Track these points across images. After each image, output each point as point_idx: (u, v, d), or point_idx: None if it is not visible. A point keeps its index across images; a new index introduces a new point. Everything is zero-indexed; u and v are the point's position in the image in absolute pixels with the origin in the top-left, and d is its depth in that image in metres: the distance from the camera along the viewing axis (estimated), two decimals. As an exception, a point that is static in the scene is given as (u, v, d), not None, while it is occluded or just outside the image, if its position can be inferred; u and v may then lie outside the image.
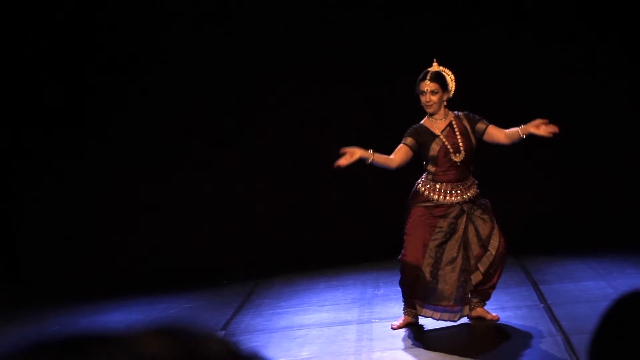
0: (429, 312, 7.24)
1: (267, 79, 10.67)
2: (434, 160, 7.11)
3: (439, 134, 7.12)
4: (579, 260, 9.14)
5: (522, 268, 8.95)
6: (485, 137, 7.12)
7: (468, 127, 7.13)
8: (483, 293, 7.26)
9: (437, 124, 7.16)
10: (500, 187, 8.82)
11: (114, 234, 10.79)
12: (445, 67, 7.20)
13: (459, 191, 7.10)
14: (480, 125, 7.12)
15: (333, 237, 10.75)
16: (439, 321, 7.25)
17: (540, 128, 6.89)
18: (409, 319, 7.34)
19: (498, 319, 7.30)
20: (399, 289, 7.46)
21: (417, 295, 7.22)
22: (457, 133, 7.11)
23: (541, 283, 8.34)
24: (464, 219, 7.07)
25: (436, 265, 7.07)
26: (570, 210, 10.38)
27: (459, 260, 7.07)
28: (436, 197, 7.10)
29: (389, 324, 7.42)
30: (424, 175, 7.21)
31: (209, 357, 1.06)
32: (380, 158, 6.94)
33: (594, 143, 10.45)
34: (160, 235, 10.79)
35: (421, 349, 6.89)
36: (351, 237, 10.68)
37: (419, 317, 7.36)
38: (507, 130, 7.05)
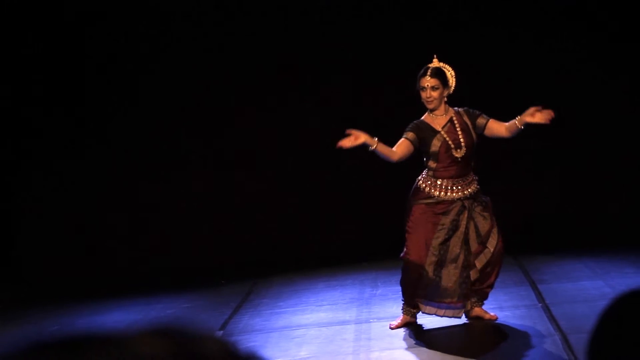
0: (433, 310, 7.25)
1: (267, 79, 10.67)
2: (435, 156, 7.10)
3: (439, 129, 7.12)
4: (577, 259, 9.13)
5: (520, 267, 8.94)
6: (487, 132, 7.11)
7: (469, 122, 7.13)
8: (481, 292, 7.25)
9: (437, 119, 7.16)
10: (499, 186, 8.81)
11: (114, 234, 10.80)
12: (445, 64, 7.21)
13: (459, 187, 7.10)
14: (481, 120, 7.11)
15: (333, 237, 10.75)
16: (443, 318, 7.25)
17: (535, 116, 6.87)
18: (408, 318, 7.34)
19: (496, 319, 7.29)
20: (397, 288, 7.45)
21: (419, 294, 7.21)
22: (458, 129, 7.11)
23: (539, 282, 8.33)
24: (466, 215, 7.07)
25: (440, 263, 7.07)
26: (568, 210, 10.38)
27: (461, 257, 7.07)
28: (437, 193, 7.10)
29: (387, 324, 7.41)
30: (425, 171, 7.21)
31: (207, 358, 1.06)
32: (383, 148, 6.91)
33: (594, 143, 10.46)
34: (160, 235, 10.80)
35: (419, 349, 6.88)
36: (351, 237, 10.68)
37: (418, 316, 7.36)
38: (506, 124, 7.04)
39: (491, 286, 7.25)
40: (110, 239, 10.79)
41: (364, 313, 7.97)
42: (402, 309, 7.37)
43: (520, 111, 6.94)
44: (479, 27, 10.49)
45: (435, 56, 7.22)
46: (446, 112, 7.17)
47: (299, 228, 10.76)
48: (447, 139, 7.08)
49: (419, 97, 7.16)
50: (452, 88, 7.16)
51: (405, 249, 7.19)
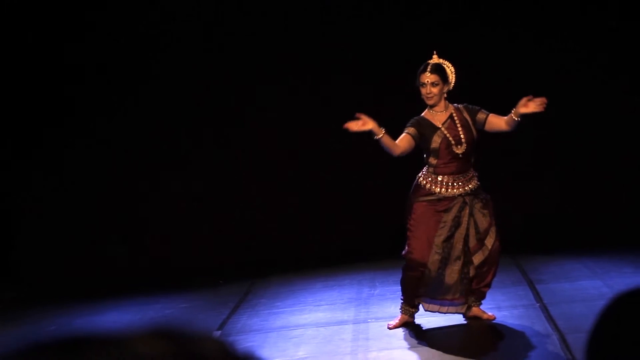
0: (436, 307, 7.26)
1: (267, 78, 10.67)
2: (436, 153, 7.10)
3: (440, 126, 7.12)
4: (575, 259, 9.13)
5: (518, 267, 8.94)
6: (487, 127, 7.11)
7: (469, 118, 7.13)
8: (478, 292, 7.25)
9: (437, 116, 7.16)
10: (498, 186, 8.79)
11: (114, 234, 10.80)
12: (445, 60, 7.21)
13: (460, 183, 7.10)
14: (481, 116, 7.12)
15: (333, 237, 10.75)
16: (446, 315, 7.27)
17: (528, 105, 6.87)
18: (406, 317, 7.33)
19: (494, 319, 7.29)
20: (395, 288, 7.44)
21: (420, 292, 7.22)
22: (458, 125, 7.11)
23: (537, 282, 8.33)
24: (467, 211, 7.07)
25: (444, 261, 7.07)
26: (566, 209, 10.38)
27: (462, 253, 7.07)
28: (438, 189, 7.09)
29: (385, 324, 7.40)
30: (425, 168, 7.21)
31: (205, 358, 1.06)
32: (387, 140, 6.91)
33: (593, 143, 10.45)
34: (159, 235, 10.80)
35: (417, 349, 6.88)
36: (351, 237, 10.68)
37: (417, 315, 7.36)
38: (505, 117, 7.04)
39: (488, 285, 7.25)
40: (110, 239, 10.79)
41: (362, 313, 7.97)
42: (400, 309, 7.37)
43: (522, 114, 6.95)
44: (479, 27, 10.49)
45: (435, 52, 7.23)
46: (446, 108, 7.17)
47: (299, 228, 10.76)
48: (448, 135, 7.08)
49: (419, 93, 7.16)
50: (452, 84, 7.17)
51: (406, 247, 7.18)
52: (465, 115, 7.15)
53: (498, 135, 7.45)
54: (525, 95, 6.94)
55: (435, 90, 7.09)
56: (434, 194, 7.10)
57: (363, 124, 6.86)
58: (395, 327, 7.31)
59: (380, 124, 6.90)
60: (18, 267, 10.81)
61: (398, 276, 7.41)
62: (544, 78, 10.21)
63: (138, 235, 10.81)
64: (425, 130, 7.10)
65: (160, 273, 10.30)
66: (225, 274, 10.01)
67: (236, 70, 10.70)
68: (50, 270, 10.64)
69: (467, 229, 7.08)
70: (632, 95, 10.40)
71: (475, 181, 7.17)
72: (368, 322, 7.65)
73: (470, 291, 7.22)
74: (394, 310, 7.57)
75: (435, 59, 7.18)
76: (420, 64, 7.21)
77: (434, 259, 7.06)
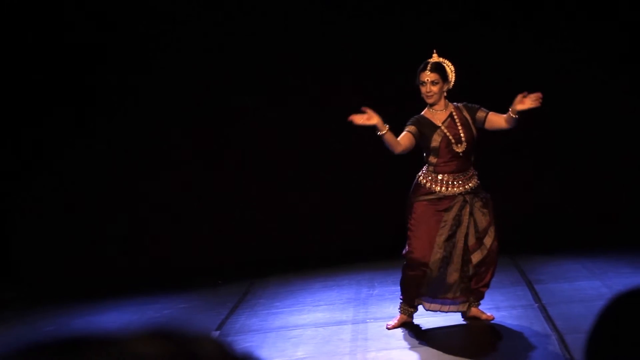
0: (437, 307, 7.26)
1: (267, 79, 10.67)
2: (436, 152, 7.10)
3: (440, 125, 7.12)
4: (574, 259, 9.12)
5: (516, 268, 8.93)
6: (487, 125, 7.11)
7: (468, 117, 7.13)
8: (477, 292, 7.25)
9: (437, 115, 7.16)
10: (497, 186, 8.79)
11: (114, 234, 10.80)
12: (445, 59, 7.21)
13: (460, 182, 7.10)
14: (480, 114, 7.12)
15: (333, 237, 10.75)
16: (448, 314, 7.28)
17: (524, 102, 6.87)
18: (405, 317, 7.33)
19: (493, 319, 7.29)
20: (393, 288, 7.43)
21: (421, 292, 7.22)
22: (458, 124, 7.11)
23: (536, 283, 8.32)
24: (467, 210, 7.07)
25: (445, 260, 7.07)
26: (565, 210, 10.37)
27: (463, 252, 7.08)
28: (438, 188, 7.09)
29: (384, 324, 7.40)
30: (425, 167, 7.20)
31: (203, 359, 1.06)
32: (390, 136, 6.89)
33: (593, 143, 10.44)
34: (159, 235, 10.80)
35: (416, 349, 6.88)
36: (351, 237, 10.68)
37: (415, 315, 7.36)
38: (504, 115, 7.04)
39: (487, 286, 7.25)
40: (110, 239, 10.79)
41: (360, 313, 7.96)
42: (399, 309, 7.36)
43: (519, 111, 6.95)
44: (479, 27, 10.48)
45: (435, 51, 7.23)
46: (446, 107, 7.18)
47: (299, 228, 10.76)
48: (448, 134, 7.08)
49: (419, 92, 7.16)
50: (452, 83, 7.17)
51: (407, 247, 7.18)
52: (465, 114, 7.15)
53: (497, 135, 7.46)
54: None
55: (435, 88, 7.09)
56: (434, 192, 7.11)
57: (368, 118, 6.86)
58: (394, 327, 7.31)
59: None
60: (18, 267, 10.82)
61: (397, 276, 7.41)
62: (544, 78, 10.21)
63: (138, 235, 10.81)
64: (425, 128, 7.11)
65: (160, 273, 10.30)
66: (225, 274, 10.01)
67: (236, 70, 10.70)
68: (50, 270, 10.64)
69: (467, 228, 7.09)
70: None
71: (476, 180, 7.17)
72: (367, 322, 7.64)
73: (470, 290, 7.22)
74: (392, 310, 7.57)
75: (435, 58, 7.19)
76: (420, 64, 7.21)
77: (435, 258, 7.06)
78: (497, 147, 9.66)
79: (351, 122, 6.99)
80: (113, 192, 10.79)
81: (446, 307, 7.26)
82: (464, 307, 7.25)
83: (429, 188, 7.11)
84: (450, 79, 7.15)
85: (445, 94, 7.17)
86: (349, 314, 7.95)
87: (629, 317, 1.49)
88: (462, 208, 7.08)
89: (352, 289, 8.91)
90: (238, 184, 10.81)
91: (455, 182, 7.10)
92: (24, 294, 10.15)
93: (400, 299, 7.35)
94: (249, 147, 10.79)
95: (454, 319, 7.33)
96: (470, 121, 7.13)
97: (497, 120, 7.08)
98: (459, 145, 7.09)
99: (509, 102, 6.92)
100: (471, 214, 7.09)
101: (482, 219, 7.11)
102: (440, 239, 7.08)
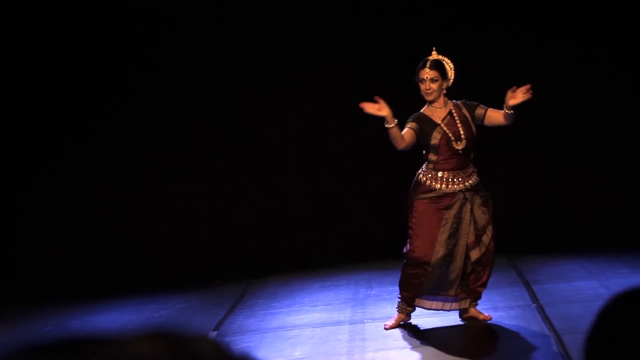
0: (439, 305, 7.27)
1: (267, 79, 10.68)
2: (436, 149, 7.10)
3: (439, 122, 7.13)
4: (572, 260, 9.12)
5: (514, 268, 8.93)
6: (486, 122, 7.12)
7: (467, 115, 7.14)
8: (474, 292, 7.25)
9: (437, 112, 7.16)
10: (495, 186, 8.79)
11: (114, 234, 10.81)
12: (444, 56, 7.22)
13: (460, 179, 7.11)
14: (480, 111, 7.13)
15: (333, 237, 10.75)
16: (443, 315, 7.28)
17: (516, 96, 6.89)
18: (403, 317, 7.32)
19: (490, 319, 7.29)
20: (391, 289, 7.43)
21: (423, 291, 7.21)
22: (458, 121, 7.12)
23: (533, 283, 8.32)
24: (468, 207, 7.08)
25: (447, 258, 7.07)
26: (563, 210, 10.36)
27: (464, 249, 7.08)
28: (438, 186, 7.10)
29: (381, 324, 7.39)
30: (424, 165, 7.21)
31: (201, 359, 1.06)
32: (397, 132, 6.90)
33: (592, 143, 10.43)
34: (159, 235, 10.81)
35: (414, 349, 6.87)
36: (351, 237, 10.67)
37: (413, 315, 7.35)
38: (502, 112, 7.05)
39: (484, 285, 7.25)
40: (110, 239, 10.79)
41: (358, 313, 7.96)
42: (397, 307, 7.34)
43: (519, 111, 6.96)
44: (479, 27, 10.47)
45: (434, 49, 7.23)
46: (445, 104, 7.19)
47: (299, 228, 10.76)
48: (447, 131, 7.09)
49: (418, 89, 7.17)
50: (451, 80, 7.18)
51: (408, 246, 7.18)
52: (464, 111, 7.16)
53: (497, 135, 7.45)
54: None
55: (434, 86, 7.10)
56: (434, 190, 7.11)
57: (379, 108, 6.87)
58: (392, 327, 7.30)
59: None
60: (17, 266, 10.82)
61: (395, 277, 7.40)
62: (544, 78, 10.20)
63: (138, 235, 10.81)
64: (425, 126, 7.12)
65: (160, 273, 10.31)
66: (225, 274, 10.02)
67: (236, 70, 10.71)
68: (49, 270, 10.64)
69: (468, 225, 7.09)
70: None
71: (475, 177, 7.18)
72: (364, 322, 7.64)
73: (466, 291, 7.22)
74: (390, 310, 7.57)
75: (434, 55, 7.19)
76: (419, 62, 7.21)
77: (437, 256, 7.06)
78: (497, 147, 9.66)
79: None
80: (113, 192, 10.79)
81: (448, 305, 7.27)
82: (465, 304, 7.26)
83: (429, 186, 7.12)
84: (449, 77, 7.16)
85: (444, 91, 7.17)
86: (347, 314, 7.95)
87: (627, 318, 1.49)
88: (462, 205, 7.09)
89: (349, 289, 8.91)
90: (238, 184, 10.81)
91: (455, 180, 7.11)
92: (23, 293, 10.15)
93: (399, 297, 7.34)
94: (249, 147, 10.79)
95: (452, 319, 7.33)
96: (469, 119, 7.14)
97: (496, 117, 7.09)
98: (459, 142, 7.09)
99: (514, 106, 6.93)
100: (471, 211, 7.09)
101: (482, 217, 7.12)
102: (442, 237, 7.08)
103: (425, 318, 7.39)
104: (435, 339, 7.08)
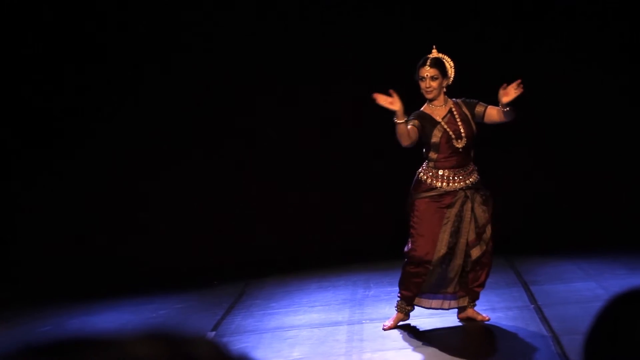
0: (439, 303, 7.28)
1: (267, 79, 10.67)
2: (436, 147, 7.11)
3: (440, 120, 7.13)
4: (570, 261, 9.12)
5: (512, 269, 8.93)
6: (486, 119, 7.13)
7: (467, 113, 7.15)
8: (472, 292, 7.24)
9: (437, 110, 7.17)
10: (494, 187, 8.79)
11: (114, 234, 10.81)
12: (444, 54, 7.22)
13: (461, 177, 7.11)
14: (479, 109, 7.14)
15: (333, 237, 10.75)
16: (442, 315, 7.29)
17: (508, 93, 6.92)
18: (402, 316, 7.32)
19: (488, 320, 7.29)
20: (389, 289, 7.42)
21: (423, 289, 7.21)
22: (458, 119, 7.12)
23: (532, 284, 8.32)
24: (469, 205, 7.08)
25: (448, 256, 7.08)
26: (562, 211, 10.35)
27: (465, 247, 7.08)
28: (439, 184, 7.10)
29: (379, 325, 7.39)
30: (425, 163, 7.21)
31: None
32: (405, 128, 6.91)
33: (591, 144, 10.42)
34: (159, 235, 10.81)
35: (412, 350, 6.88)
36: (351, 237, 10.67)
37: (412, 315, 7.35)
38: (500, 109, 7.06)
39: (482, 286, 7.25)
40: (110, 239, 10.79)
41: (356, 314, 7.96)
42: (396, 307, 7.33)
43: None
44: (479, 27, 10.47)
45: (434, 47, 7.23)
46: (445, 102, 7.19)
47: (299, 228, 10.75)
48: (448, 129, 7.09)
49: (418, 87, 7.17)
50: (451, 79, 7.18)
51: (410, 244, 7.18)
52: (464, 109, 7.17)
53: (497, 135, 7.44)
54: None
55: (434, 84, 7.10)
56: (435, 188, 7.11)
57: (392, 102, 6.88)
58: (390, 327, 7.30)
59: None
60: (17, 267, 10.82)
61: (393, 277, 7.40)
62: (544, 78, 10.20)
63: (138, 235, 10.81)
64: (426, 124, 7.13)
65: (160, 273, 10.30)
66: (225, 274, 10.02)
67: (236, 71, 10.70)
68: (48, 270, 10.64)
69: (469, 223, 7.09)
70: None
71: (476, 175, 7.19)
72: (362, 323, 7.64)
73: (465, 291, 7.23)
74: (388, 311, 7.56)
75: (434, 53, 7.20)
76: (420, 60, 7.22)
77: (439, 255, 7.07)
78: (496, 147, 9.64)
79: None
80: (113, 192, 10.79)
81: (447, 303, 7.28)
82: (464, 302, 7.26)
83: (430, 184, 7.12)
84: (449, 75, 7.17)
85: (444, 89, 7.18)
86: (345, 315, 7.95)
87: (626, 319, 1.49)
88: (463, 204, 7.09)
89: (348, 289, 8.91)
90: (238, 184, 10.81)
91: (455, 178, 7.12)
92: (23, 293, 10.15)
93: (398, 296, 7.34)
94: (249, 147, 10.79)
95: (450, 320, 7.33)
96: (469, 117, 7.15)
97: (495, 114, 7.10)
98: (459, 140, 7.10)
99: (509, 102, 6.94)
100: (472, 209, 7.10)
101: (482, 215, 7.13)
102: (444, 235, 7.09)
103: (423, 319, 7.39)
104: (434, 339, 7.08)
